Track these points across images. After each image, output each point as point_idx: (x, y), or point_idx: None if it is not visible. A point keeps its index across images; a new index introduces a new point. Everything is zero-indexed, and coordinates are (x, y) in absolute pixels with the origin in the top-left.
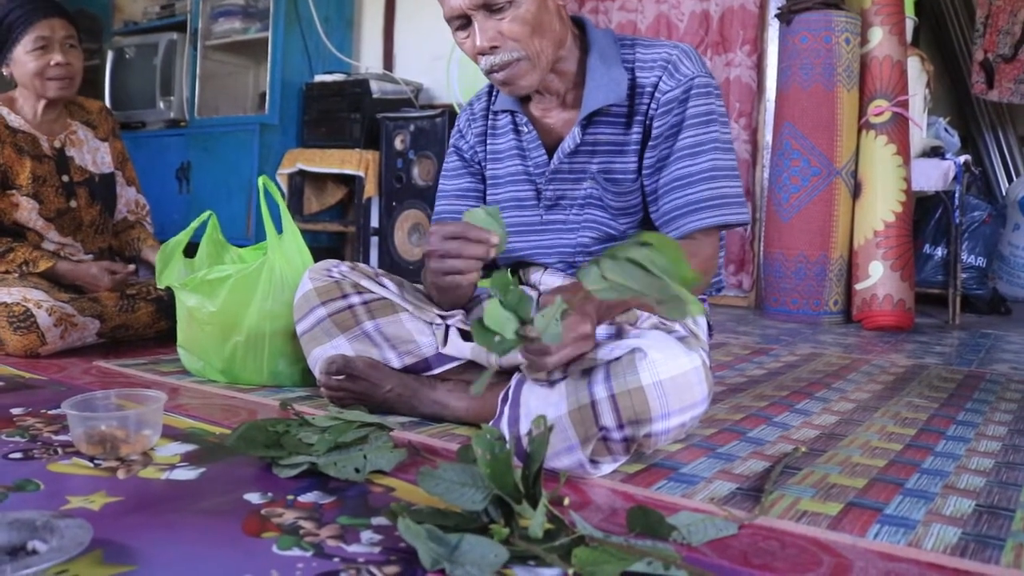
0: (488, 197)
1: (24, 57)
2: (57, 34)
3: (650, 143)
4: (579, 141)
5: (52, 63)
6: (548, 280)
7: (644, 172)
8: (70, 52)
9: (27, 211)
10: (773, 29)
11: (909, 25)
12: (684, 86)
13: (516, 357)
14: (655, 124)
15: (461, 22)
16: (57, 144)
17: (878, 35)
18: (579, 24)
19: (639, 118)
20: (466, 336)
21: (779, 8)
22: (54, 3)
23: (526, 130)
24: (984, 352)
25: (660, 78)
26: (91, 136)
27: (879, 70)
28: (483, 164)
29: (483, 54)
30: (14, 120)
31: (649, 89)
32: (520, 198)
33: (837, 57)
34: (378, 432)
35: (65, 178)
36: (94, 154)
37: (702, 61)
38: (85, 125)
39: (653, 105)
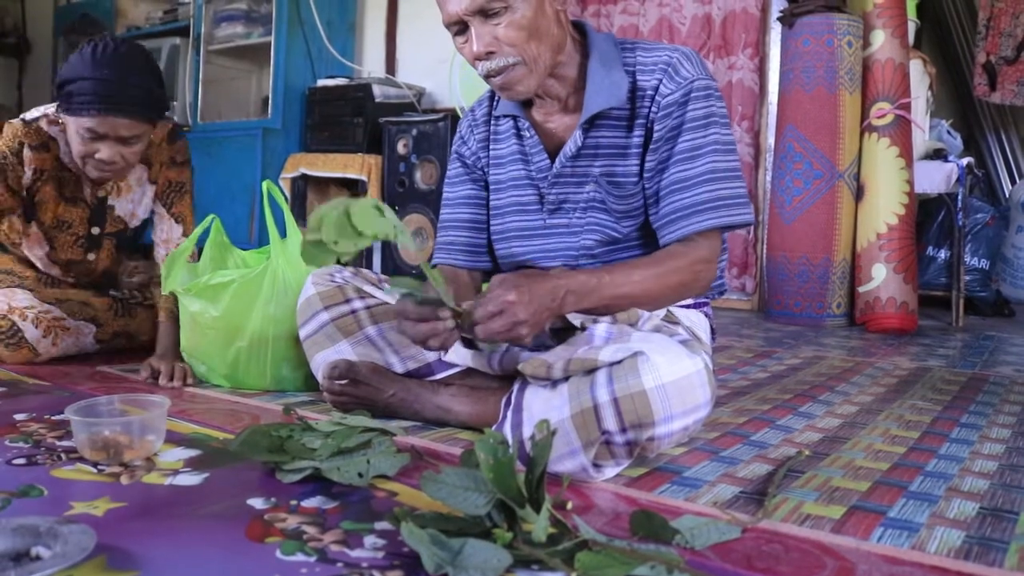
0: (491, 202)
1: (73, 134)
2: (116, 132)
3: (651, 146)
4: (581, 144)
5: (96, 156)
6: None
7: (645, 175)
8: (125, 147)
9: (35, 245)
10: (775, 32)
11: (911, 28)
12: (684, 89)
13: (517, 361)
14: (656, 127)
15: (459, 27)
16: (101, 193)
17: (880, 38)
18: (580, 29)
19: (640, 121)
20: (467, 342)
21: (781, 11)
22: (128, 99)
23: (528, 135)
24: (988, 354)
25: (660, 81)
26: (144, 178)
27: (881, 73)
28: (486, 170)
29: (480, 59)
30: (67, 154)
31: (650, 92)
32: (523, 202)
33: (839, 60)
34: (381, 437)
35: (95, 230)
36: (138, 204)
37: (703, 64)
38: (141, 163)
39: (654, 108)
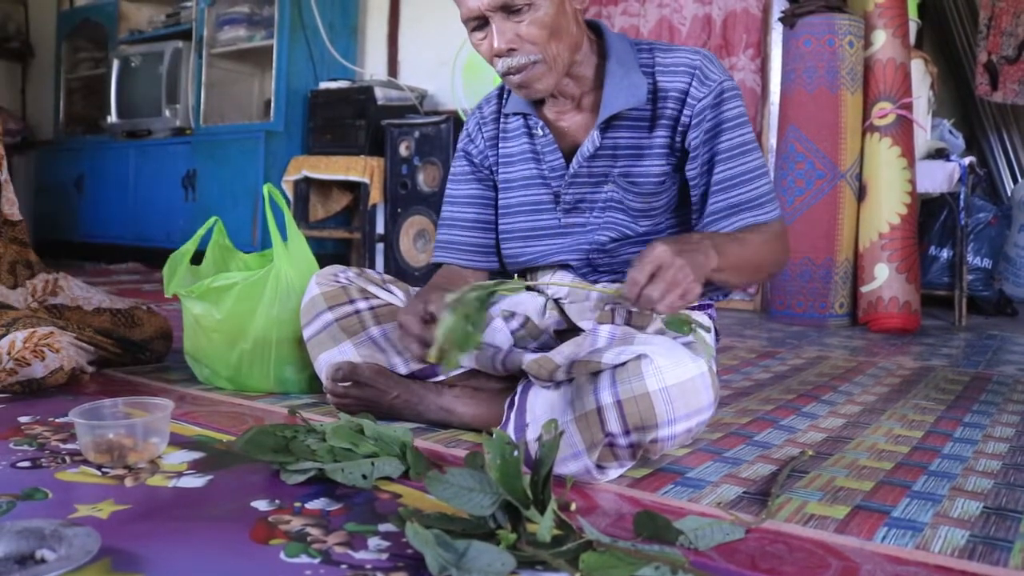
0: (500, 201)
1: None
2: None
3: (691, 153)
4: (599, 145)
5: None
6: (558, 280)
7: (690, 181)
8: None
9: None
10: (776, 32)
11: (912, 27)
12: (715, 91)
13: (520, 362)
14: (692, 132)
15: (478, 23)
16: None
17: (881, 38)
18: (595, 29)
19: (665, 122)
20: None
21: (782, 11)
22: None
23: (541, 133)
24: (991, 354)
25: (690, 84)
26: None
27: (883, 73)
28: (494, 169)
29: (500, 56)
30: None
31: (676, 95)
32: (535, 202)
33: (841, 60)
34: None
35: None
36: None
37: (722, 66)
38: None
39: (687, 112)
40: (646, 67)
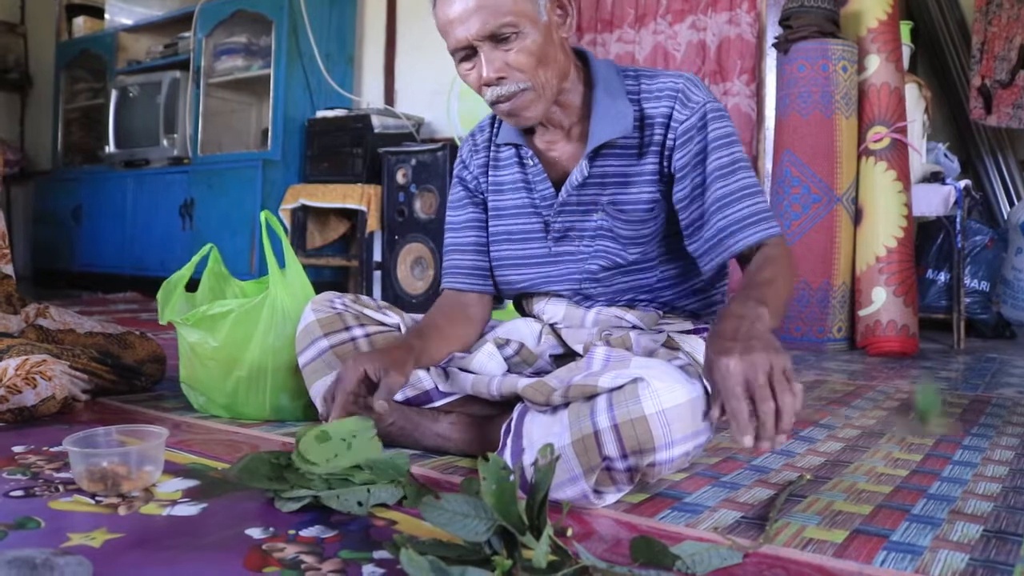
0: (490, 228)
1: None
2: None
3: (677, 175)
4: (587, 174)
5: None
6: (551, 309)
7: (678, 205)
8: None
9: None
10: (771, 58)
11: (905, 52)
12: (699, 113)
13: (515, 387)
14: (676, 155)
15: (466, 53)
16: None
17: (875, 62)
18: (581, 57)
19: (653, 148)
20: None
21: (776, 37)
22: None
23: (531, 163)
24: (989, 376)
25: (673, 108)
26: None
27: (877, 97)
28: (486, 195)
29: (489, 85)
30: None
31: (661, 120)
32: (526, 230)
33: (835, 85)
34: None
35: None
36: None
37: (707, 88)
38: None
39: (671, 136)
40: (632, 94)
